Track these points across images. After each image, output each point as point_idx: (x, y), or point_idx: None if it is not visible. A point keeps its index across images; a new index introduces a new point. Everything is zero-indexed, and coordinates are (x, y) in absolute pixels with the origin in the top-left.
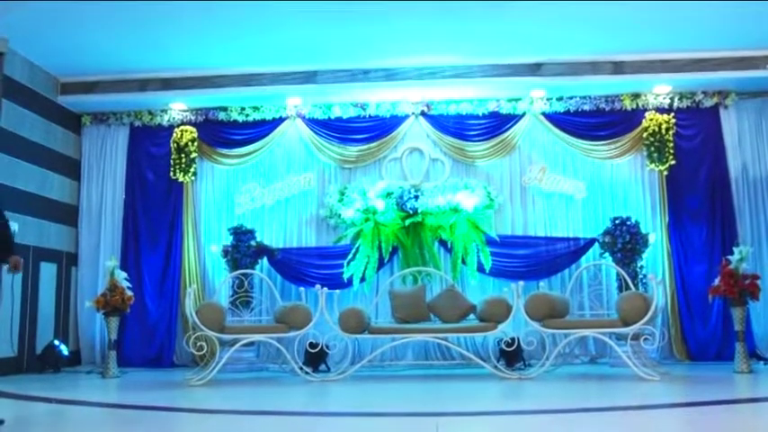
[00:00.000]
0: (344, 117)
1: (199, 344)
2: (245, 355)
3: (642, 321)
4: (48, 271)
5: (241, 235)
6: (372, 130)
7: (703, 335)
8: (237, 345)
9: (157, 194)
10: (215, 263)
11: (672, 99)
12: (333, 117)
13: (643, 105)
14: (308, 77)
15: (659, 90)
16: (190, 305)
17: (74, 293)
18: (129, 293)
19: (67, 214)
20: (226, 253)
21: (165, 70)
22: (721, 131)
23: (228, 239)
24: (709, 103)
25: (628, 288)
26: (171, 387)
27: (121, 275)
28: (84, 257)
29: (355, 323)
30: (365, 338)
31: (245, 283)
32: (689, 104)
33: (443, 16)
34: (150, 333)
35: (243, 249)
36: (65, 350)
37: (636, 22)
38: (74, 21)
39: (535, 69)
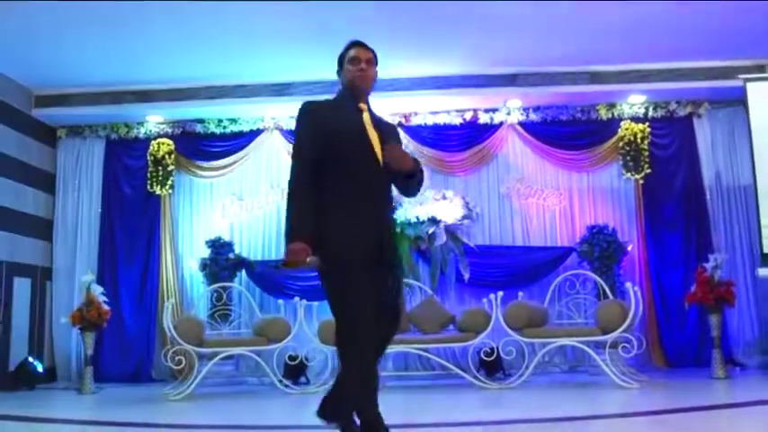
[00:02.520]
0: None
1: (177, 358)
2: (224, 369)
3: (620, 330)
4: (22, 286)
5: (219, 248)
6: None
7: (681, 341)
8: (216, 358)
9: (134, 207)
10: (193, 276)
11: (647, 109)
12: None
13: (618, 115)
14: (283, 89)
15: (634, 100)
16: (168, 319)
17: (49, 309)
18: (106, 308)
19: (42, 228)
20: (204, 266)
21: (140, 83)
22: (695, 140)
23: (206, 252)
24: (682, 112)
25: (606, 296)
26: (149, 402)
27: (98, 290)
28: (59, 272)
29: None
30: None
31: (224, 296)
32: (663, 114)
33: (420, 30)
34: (128, 348)
35: (221, 262)
36: (39, 367)
37: (610, 33)
38: (47, 33)
39: (512, 80)
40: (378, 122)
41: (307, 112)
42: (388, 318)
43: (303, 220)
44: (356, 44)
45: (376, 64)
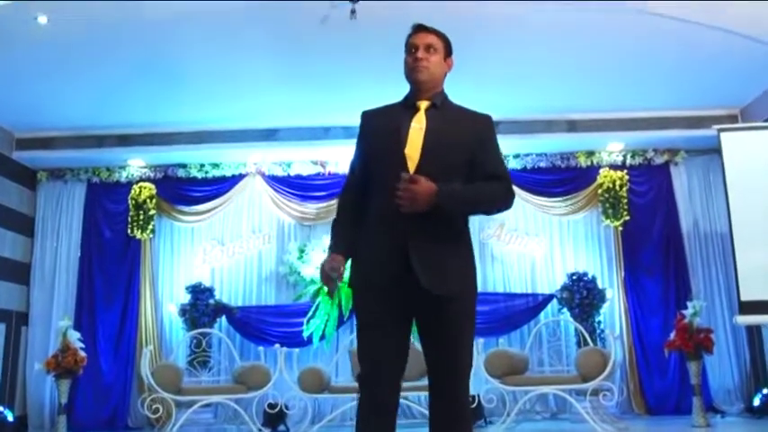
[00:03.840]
0: (304, 174)
1: (154, 406)
2: (202, 417)
3: (601, 378)
4: None
5: (199, 293)
6: (332, 187)
7: (661, 388)
8: (194, 406)
9: (114, 252)
10: (172, 322)
11: (625, 156)
12: (292, 174)
13: (597, 162)
14: (269, 135)
15: (612, 147)
16: (145, 366)
17: (23, 355)
18: (83, 354)
19: (19, 272)
20: (183, 312)
21: (123, 127)
22: (672, 188)
23: (186, 298)
24: (660, 160)
25: (586, 343)
26: None
27: (75, 336)
28: (35, 317)
29: (315, 382)
30: (325, 398)
31: (203, 342)
32: (641, 161)
33: (403, 82)
34: (104, 395)
35: (201, 308)
36: (9, 415)
37: (588, 83)
38: (29, 76)
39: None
40: (445, 121)
41: (361, 125)
42: (439, 370)
43: (333, 243)
44: (417, 28)
45: (447, 51)
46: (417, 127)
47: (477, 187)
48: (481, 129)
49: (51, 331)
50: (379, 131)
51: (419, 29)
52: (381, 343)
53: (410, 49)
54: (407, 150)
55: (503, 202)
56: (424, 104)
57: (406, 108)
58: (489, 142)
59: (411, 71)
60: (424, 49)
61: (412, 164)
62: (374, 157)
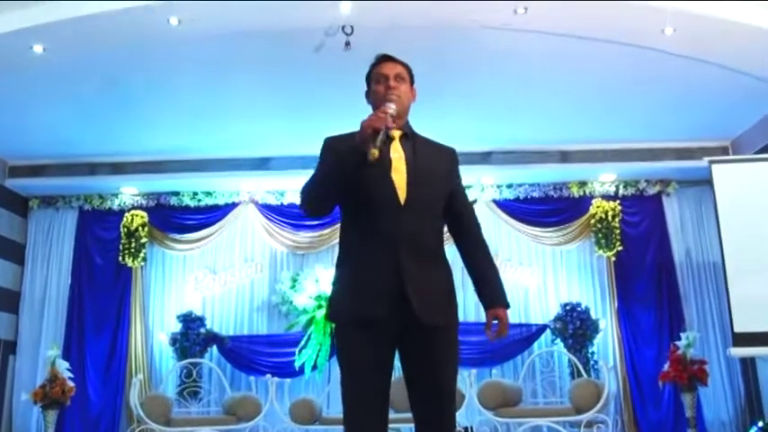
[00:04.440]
0: (297, 203)
1: None
2: None
3: (595, 409)
4: None
5: (190, 322)
6: (325, 216)
7: (656, 420)
8: None
9: (105, 279)
10: (163, 351)
11: (617, 187)
12: (286, 203)
13: (590, 193)
14: (261, 163)
15: (605, 178)
16: (134, 396)
17: (10, 384)
18: (71, 384)
19: (8, 300)
20: (174, 341)
21: (115, 155)
22: (665, 218)
23: (177, 327)
24: (652, 191)
25: (580, 374)
26: None
27: (63, 365)
28: (23, 345)
29: (306, 414)
30: (317, 429)
31: (194, 372)
32: (633, 192)
33: None
34: (92, 426)
35: (192, 337)
36: None
37: (581, 114)
38: (22, 104)
39: (485, 158)
40: (420, 151)
41: (327, 148)
42: (428, 395)
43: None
44: (383, 58)
45: (411, 80)
46: (397, 156)
47: (487, 263)
48: (452, 161)
49: (39, 360)
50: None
51: (386, 59)
52: (373, 398)
53: (380, 78)
54: (395, 178)
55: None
56: (397, 133)
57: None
58: (458, 175)
59: (384, 100)
60: (395, 78)
61: (402, 193)
62: (355, 181)
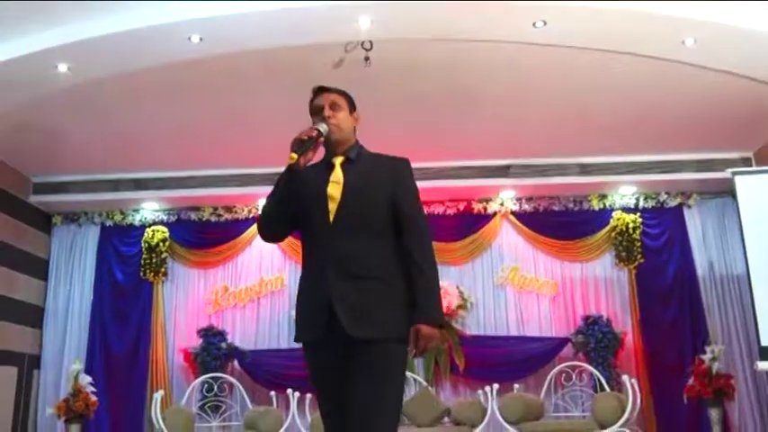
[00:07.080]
0: None
1: None
2: None
3: (618, 424)
4: (6, 375)
5: (211, 337)
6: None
7: None
8: None
9: (126, 294)
10: (184, 366)
11: (637, 199)
12: None
13: (610, 205)
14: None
15: (625, 191)
16: (156, 410)
17: (34, 398)
18: (94, 398)
19: (32, 315)
20: (195, 355)
21: (137, 171)
22: (686, 230)
23: (198, 341)
24: (673, 203)
25: (602, 389)
26: None
27: (86, 379)
28: (47, 360)
29: None
30: None
31: (215, 386)
32: (654, 204)
33: (417, 124)
34: None
35: (213, 352)
36: None
37: (600, 126)
38: (46, 122)
39: (505, 171)
40: (361, 172)
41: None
42: (354, 420)
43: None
44: (316, 90)
45: (350, 106)
46: (335, 181)
47: (424, 277)
48: (398, 171)
49: (63, 374)
50: (302, 189)
51: (320, 90)
52: (327, 419)
53: (316, 110)
54: (329, 203)
55: (429, 250)
56: (338, 160)
57: (325, 167)
58: (405, 182)
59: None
60: (330, 107)
61: (331, 215)
62: (300, 210)
